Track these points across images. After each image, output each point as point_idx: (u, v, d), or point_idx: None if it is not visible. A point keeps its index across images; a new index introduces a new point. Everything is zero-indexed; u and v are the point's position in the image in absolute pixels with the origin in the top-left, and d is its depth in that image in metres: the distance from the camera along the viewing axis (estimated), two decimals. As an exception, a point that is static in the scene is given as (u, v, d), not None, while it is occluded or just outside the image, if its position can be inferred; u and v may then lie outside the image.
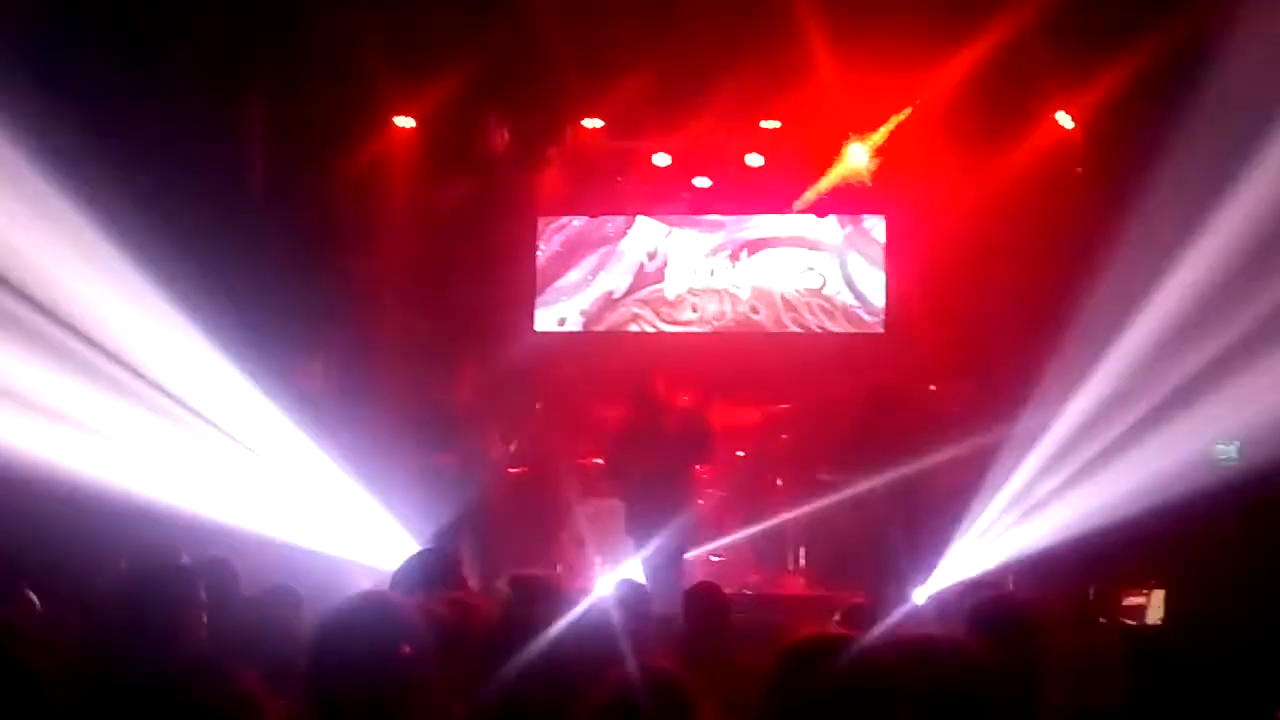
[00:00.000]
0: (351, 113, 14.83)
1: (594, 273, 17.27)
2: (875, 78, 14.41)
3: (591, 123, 15.91)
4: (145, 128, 13.16)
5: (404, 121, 15.42)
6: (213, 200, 13.49)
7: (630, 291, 17.23)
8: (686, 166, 16.54)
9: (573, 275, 17.28)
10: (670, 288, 17.14)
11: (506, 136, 15.93)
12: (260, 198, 14.24)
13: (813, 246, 16.88)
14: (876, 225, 16.74)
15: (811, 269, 16.90)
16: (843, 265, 16.82)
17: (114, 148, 12.85)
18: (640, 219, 17.22)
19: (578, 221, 17.30)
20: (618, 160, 16.54)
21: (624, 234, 17.28)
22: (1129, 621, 11.36)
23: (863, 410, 12.97)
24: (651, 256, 17.20)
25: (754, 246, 17.02)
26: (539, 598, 5.86)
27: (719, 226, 17.14)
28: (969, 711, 4.53)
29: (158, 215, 12.75)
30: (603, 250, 17.30)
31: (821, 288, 16.86)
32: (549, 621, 4.94)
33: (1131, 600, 11.45)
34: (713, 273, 17.11)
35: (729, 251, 17.08)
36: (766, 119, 15.77)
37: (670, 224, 17.22)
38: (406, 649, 4.25)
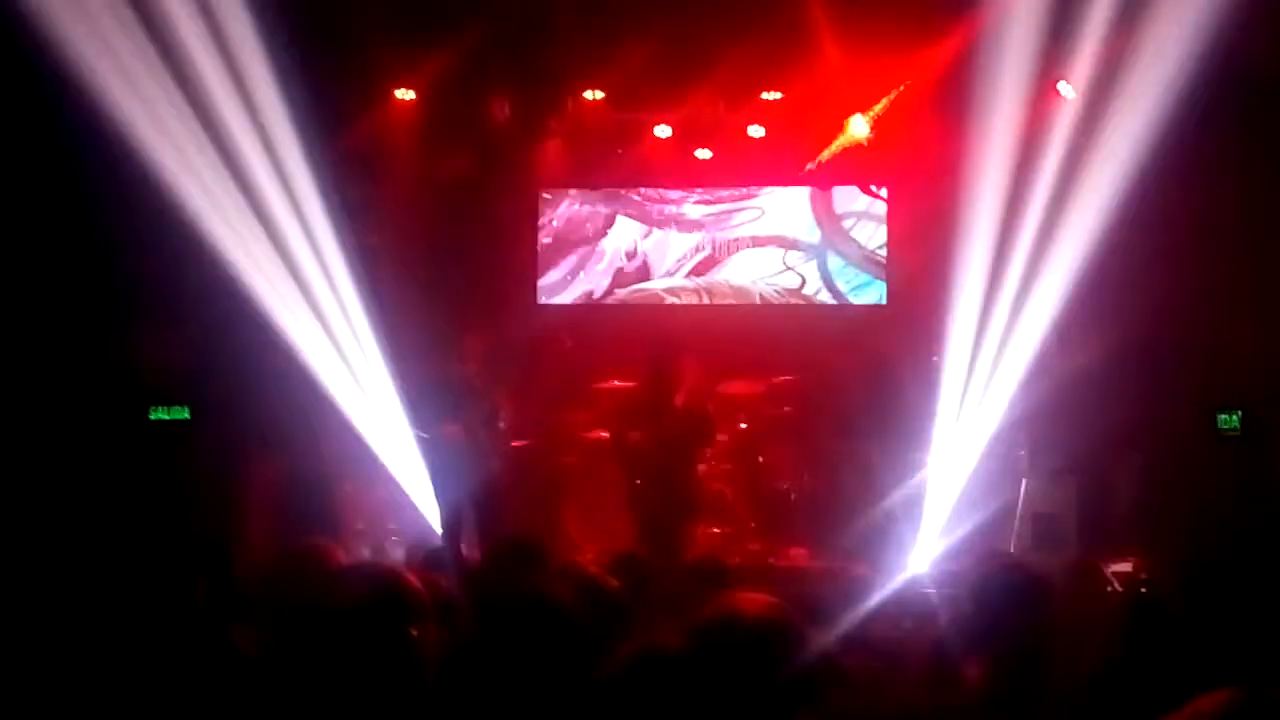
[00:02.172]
0: (352, 85, 14.79)
1: (574, 273, 17.30)
2: (877, 48, 14.39)
3: (593, 94, 15.87)
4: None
5: (404, 94, 15.40)
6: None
7: (609, 292, 17.26)
8: (688, 138, 16.51)
9: (552, 275, 17.31)
10: (650, 288, 17.17)
11: (507, 109, 15.88)
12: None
13: (791, 246, 16.92)
14: (856, 224, 16.80)
15: (790, 269, 16.93)
16: (821, 265, 16.86)
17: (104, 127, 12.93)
18: (620, 218, 17.26)
19: (561, 210, 17.32)
20: (619, 132, 16.48)
21: (603, 234, 17.29)
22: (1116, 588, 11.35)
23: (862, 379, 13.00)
24: (630, 256, 17.22)
25: (732, 247, 17.06)
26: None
27: (698, 226, 17.16)
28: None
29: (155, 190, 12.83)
30: (581, 250, 17.32)
31: (800, 287, 16.92)
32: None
33: (1118, 567, 11.44)
34: (691, 273, 17.13)
35: (708, 252, 17.10)
36: (768, 90, 15.73)
37: (649, 224, 17.25)
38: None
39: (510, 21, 14.40)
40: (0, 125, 12.63)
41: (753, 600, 4.39)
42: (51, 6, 11.81)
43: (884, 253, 16.73)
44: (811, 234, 16.91)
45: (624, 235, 17.27)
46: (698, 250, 17.14)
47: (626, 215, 17.29)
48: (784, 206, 16.99)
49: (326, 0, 13.99)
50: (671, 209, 17.25)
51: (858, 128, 15.55)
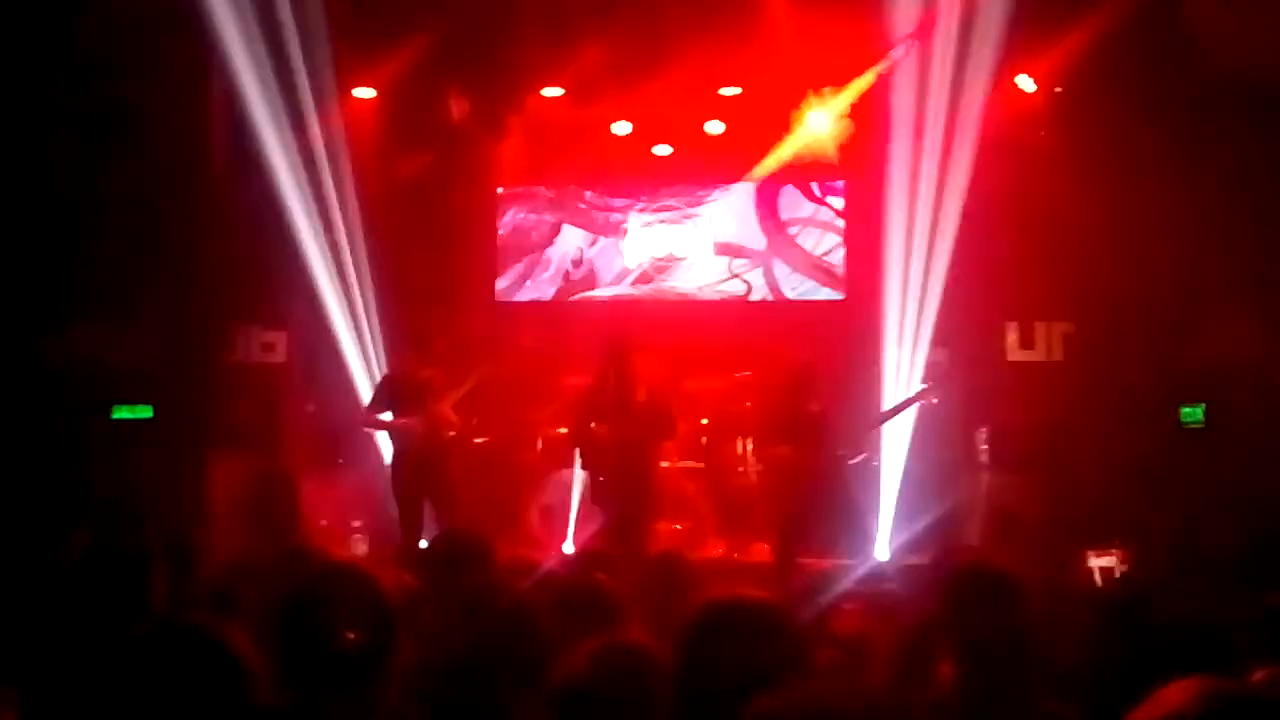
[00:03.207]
0: (311, 84, 14.73)
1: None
2: (836, 44, 14.40)
3: (551, 91, 15.83)
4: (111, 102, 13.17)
5: (363, 92, 15.34)
6: (171, 174, 13.45)
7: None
8: (647, 135, 16.50)
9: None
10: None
11: (466, 106, 15.83)
12: (220, 171, 14.16)
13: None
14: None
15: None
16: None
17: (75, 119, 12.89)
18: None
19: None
20: (578, 129, 16.44)
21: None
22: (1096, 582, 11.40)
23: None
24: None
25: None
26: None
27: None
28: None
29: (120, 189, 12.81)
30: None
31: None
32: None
33: (1097, 561, 11.49)
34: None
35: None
36: (727, 86, 15.73)
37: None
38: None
39: (469, 20, 14.36)
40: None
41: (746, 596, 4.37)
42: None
43: (831, 259, 16.73)
44: (757, 241, 16.91)
45: (570, 243, 17.26)
46: (644, 258, 17.12)
47: (572, 224, 17.28)
48: (730, 214, 17.01)
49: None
50: (617, 217, 17.22)
51: (817, 123, 15.53)
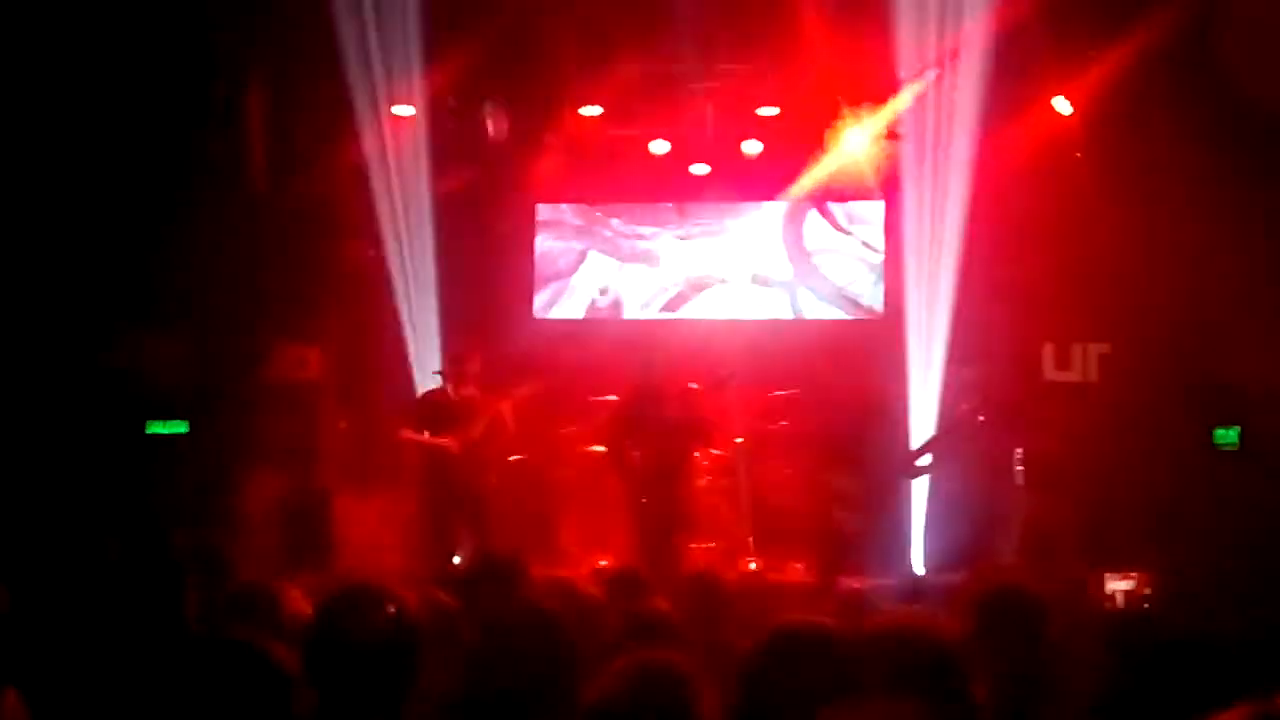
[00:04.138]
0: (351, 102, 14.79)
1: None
2: (872, 65, 14.40)
3: (590, 110, 15.85)
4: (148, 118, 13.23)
5: (403, 110, 15.36)
6: (213, 190, 13.51)
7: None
8: (684, 154, 16.50)
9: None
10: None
11: (505, 124, 15.84)
12: (261, 188, 14.22)
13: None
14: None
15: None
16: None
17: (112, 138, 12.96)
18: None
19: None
20: (616, 147, 16.45)
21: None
22: (1115, 606, 11.34)
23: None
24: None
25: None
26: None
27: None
28: (944, 695, 4.52)
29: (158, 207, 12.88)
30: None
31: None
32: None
33: (1115, 585, 11.44)
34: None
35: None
36: (764, 106, 15.72)
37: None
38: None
39: (508, 39, 14.38)
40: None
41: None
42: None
43: (853, 289, 16.71)
44: (783, 269, 16.89)
45: (597, 270, 17.23)
46: (670, 286, 17.11)
47: (599, 251, 17.26)
48: (755, 242, 16.97)
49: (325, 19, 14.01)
50: (644, 245, 17.20)
51: (854, 143, 15.52)
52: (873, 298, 16.61)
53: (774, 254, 16.90)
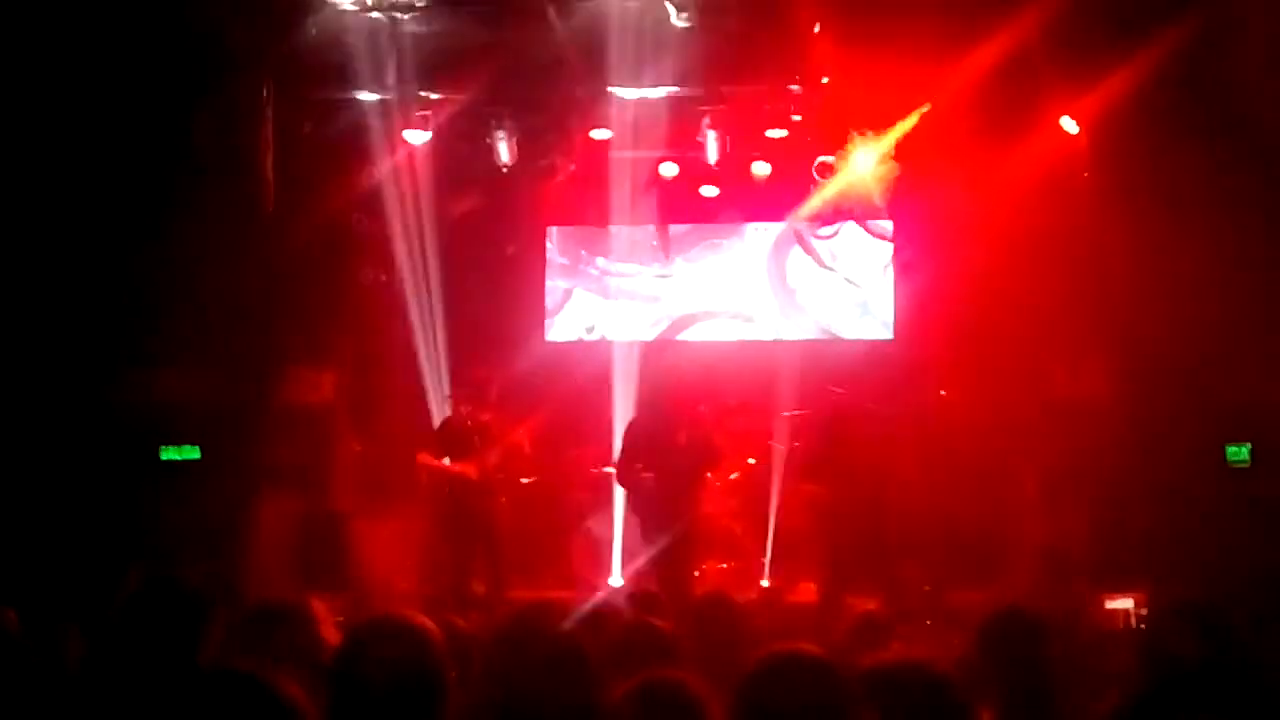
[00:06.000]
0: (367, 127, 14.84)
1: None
2: (880, 87, 14.42)
3: (600, 133, 15.88)
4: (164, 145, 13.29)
5: (415, 136, 15.38)
6: (226, 215, 13.55)
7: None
8: (694, 176, 16.53)
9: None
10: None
11: (516, 148, 15.86)
12: (273, 212, 14.27)
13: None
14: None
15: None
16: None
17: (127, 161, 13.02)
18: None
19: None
20: (626, 170, 16.47)
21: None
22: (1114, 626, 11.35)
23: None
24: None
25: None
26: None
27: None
28: None
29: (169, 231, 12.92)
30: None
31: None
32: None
33: (1114, 604, 11.44)
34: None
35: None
36: (773, 128, 15.74)
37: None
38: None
39: (519, 63, 14.40)
40: (12, 157, 12.73)
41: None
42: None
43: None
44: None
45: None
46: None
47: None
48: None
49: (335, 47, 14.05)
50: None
51: (863, 165, 15.54)
52: (856, 331, 16.76)
53: (758, 290, 17.05)
